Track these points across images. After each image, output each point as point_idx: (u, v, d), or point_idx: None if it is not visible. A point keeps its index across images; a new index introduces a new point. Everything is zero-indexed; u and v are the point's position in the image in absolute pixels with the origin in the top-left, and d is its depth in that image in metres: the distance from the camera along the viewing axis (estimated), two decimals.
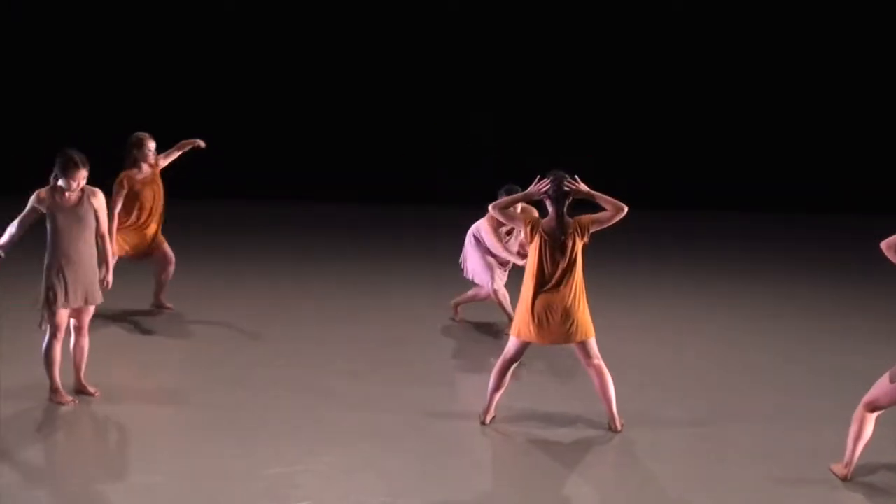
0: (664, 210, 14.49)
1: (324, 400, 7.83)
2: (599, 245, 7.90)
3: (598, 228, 7.10)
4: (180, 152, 9.80)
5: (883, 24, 15.17)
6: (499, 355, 7.37)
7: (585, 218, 7.01)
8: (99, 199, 7.47)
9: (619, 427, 7.24)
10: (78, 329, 7.63)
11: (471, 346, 9.24)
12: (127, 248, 9.52)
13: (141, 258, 9.70)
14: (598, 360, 7.14)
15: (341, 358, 8.82)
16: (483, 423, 7.33)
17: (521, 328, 7.08)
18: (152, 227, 9.61)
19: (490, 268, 9.22)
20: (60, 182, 7.31)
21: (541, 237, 6.96)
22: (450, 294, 10.58)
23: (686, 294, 11.11)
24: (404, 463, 6.75)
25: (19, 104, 15.57)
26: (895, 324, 10.02)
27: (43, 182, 7.49)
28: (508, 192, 8.29)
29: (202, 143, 9.87)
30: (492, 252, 9.23)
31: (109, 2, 15.74)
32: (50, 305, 7.39)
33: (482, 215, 8.96)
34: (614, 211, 6.94)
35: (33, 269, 7.68)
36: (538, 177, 7.04)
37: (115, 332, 9.36)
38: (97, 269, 7.54)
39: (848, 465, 6.47)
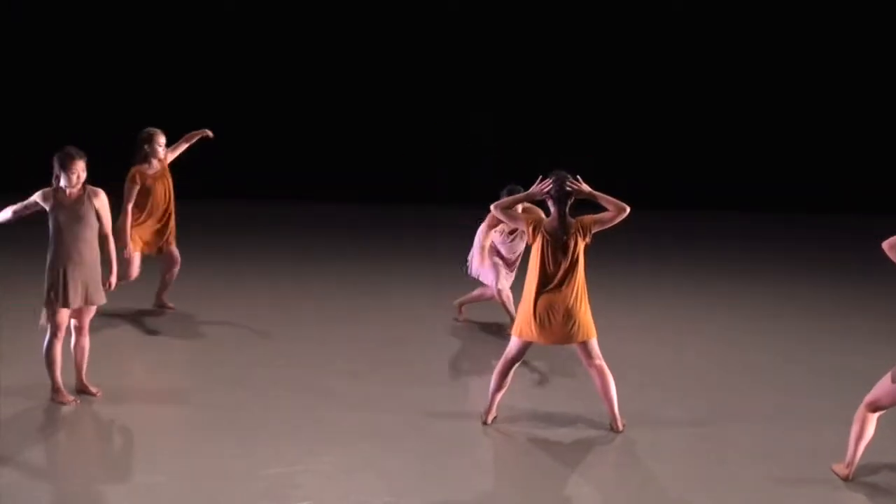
0: (664, 210, 14.49)
1: (324, 400, 7.83)
2: (600, 245, 7.89)
3: (600, 229, 7.12)
4: (188, 144, 9.79)
5: (883, 24, 15.17)
6: (500, 355, 7.37)
7: (587, 218, 7.01)
8: (101, 199, 7.46)
9: (620, 427, 7.24)
10: (79, 329, 7.63)
11: (472, 346, 9.24)
12: (142, 243, 9.53)
13: (154, 253, 9.69)
14: (600, 361, 7.14)
15: (342, 358, 8.82)
16: (485, 423, 7.33)
17: (522, 328, 7.08)
18: (167, 223, 9.62)
19: (496, 267, 9.22)
20: (62, 179, 7.32)
21: (543, 237, 6.96)
22: (450, 294, 10.57)
23: (686, 294, 11.11)
24: (405, 463, 6.75)
25: (19, 104, 15.56)
26: (895, 324, 10.01)
27: (42, 181, 7.52)
28: (510, 193, 8.29)
29: (210, 133, 9.87)
30: (499, 251, 9.23)
31: (109, 2, 15.72)
32: (51, 305, 7.39)
33: (482, 215, 8.94)
34: (616, 211, 6.94)
35: (33, 269, 7.68)
36: (540, 177, 7.04)
37: (117, 331, 9.35)
38: (99, 270, 7.53)
39: (849, 465, 6.47)
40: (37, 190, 7.46)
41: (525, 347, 7.18)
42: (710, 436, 7.25)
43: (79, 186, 7.37)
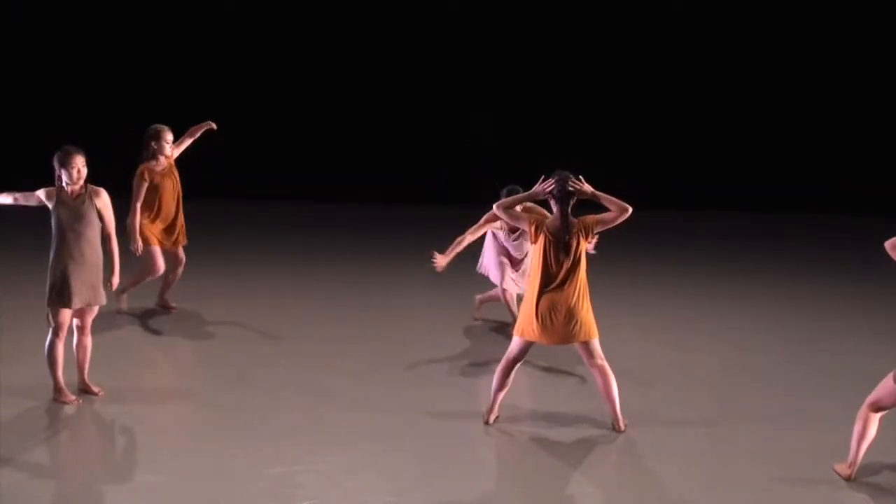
0: (664, 210, 14.48)
1: (325, 400, 7.83)
2: (601, 246, 7.90)
3: (603, 229, 7.13)
4: (192, 139, 9.79)
5: (883, 24, 15.18)
6: (502, 355, 7.36)
7: (590, 218, 7.02)
8: (102, 199, 7.46)
9: (622, 427, 7.24)
10: (81, 328, 7.63)
11: (473, 345, 9.23)
12: (157, 238, 9.52)
13: (167, 249, 9.69)
14: (602, 361, 7.14)
15: (343, 358, 8.82)
16: (486, 422, 7.32)
17: (524, 328, 7.08)
18: (177, 219, 9.62)
19: (502, 266, 9.21)
20: (63, 177, 7.33)
21: (545, 237, 6.96)
22: (450, 294, 10.61)
23: (687, 294, 11.10)
24: (407, 463, 6.75)
25: (19, 104, 15.55)
26: None
27: (42, 182, 7.55)
28: (510, 194, 8.29)
29: (213, 125, 9.87)
30: (507, 251, 9.22)
31: (110, 2, 15.72)
32: (53, 304, 7.39)
33: (482, 215, 8.93)
34: (618, 211, 6.94)
35: (34, 268, 7.68)
36: (542, 177, 7.04)
37: (119, 331, 9.35)
38: (101, 270, 7.53)
39: (852, 465, 6.47)
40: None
41: (527, 347, 7.18)
42: (712, 435, 7.25)
43: (80, 183, 7.37)
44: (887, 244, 6.22)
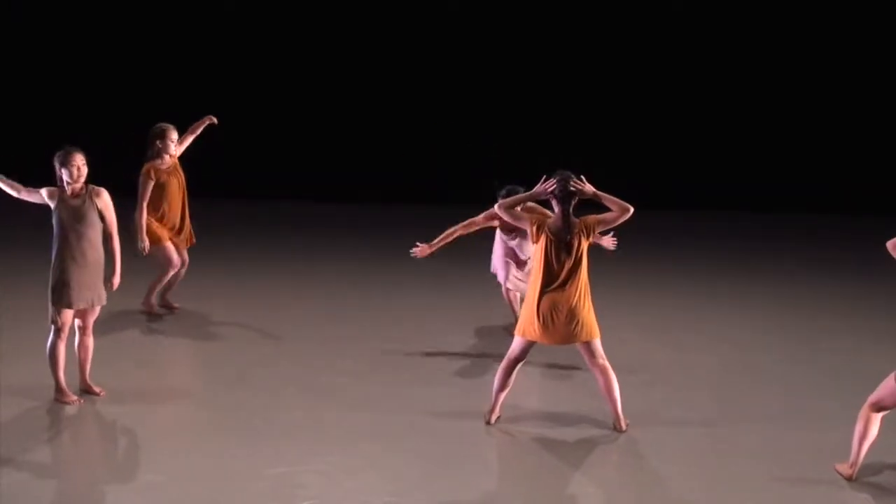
0: (664, 210, 14.47)
1: (326, 400, 7.83)
2: (600, 245, 7.91)
3: (604, 229, 7.15)
4: (194, 136, 9.80)
5: (883, 24, 15.18)
6: (503, 355, 7.37)
7: (591, 218, 7.02)
8: (103, 199, 7.46)
9: (623, 427, 7.25)
10: (82, 329, 7.63)
11: (475, 345, 9.23)
12: (169, 235, 9.52)
13: (181, 246, 9.69)
14: (603, 360, 7.14)
15: (343, 358, 8.81)
16: (488, 422, 7.33)
17: (525, 328, 7.08)
18: (184, 218, 9.63)
19: (507, 266, 9.20)
20: (64, 176, 7.34)
21: (547, 237, 6.96)
22: (451, 294, 10.62)
23: (687, 294, 11.10)
24: (408, 463, 6.75)
25: (19, 104, 15.54)
26: None
27: (42, 183, 7.55)
28: (509, 193, 8.29)
29: (214, 120, 9.87)
30: (512, 251, 9.20)
31: (109, 2, 15.71)
32: (54, 305, 7.39)
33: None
34: (620, 212, 6.95)
35: (35, 268, 7.68)
36: (544, 177, 7.04)
37: (120, 331, 9.34)
38: (103, 271, 7.53)
39: (853, 465, 6.47)
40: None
41: (528, 347, 7.18)
42: (713, 435, 7.25)
43: (81, 181, 7.38)
44: (889, 244, 6.22)
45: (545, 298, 6.97)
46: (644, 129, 15.66)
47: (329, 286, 11.24)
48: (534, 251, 7.17)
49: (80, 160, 7.36)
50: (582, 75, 15.70)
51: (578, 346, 7.13)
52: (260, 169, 15.56)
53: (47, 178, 7.52)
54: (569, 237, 6.94)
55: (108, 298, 7.66)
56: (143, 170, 9.42)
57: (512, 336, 7.38)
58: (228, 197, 14.79)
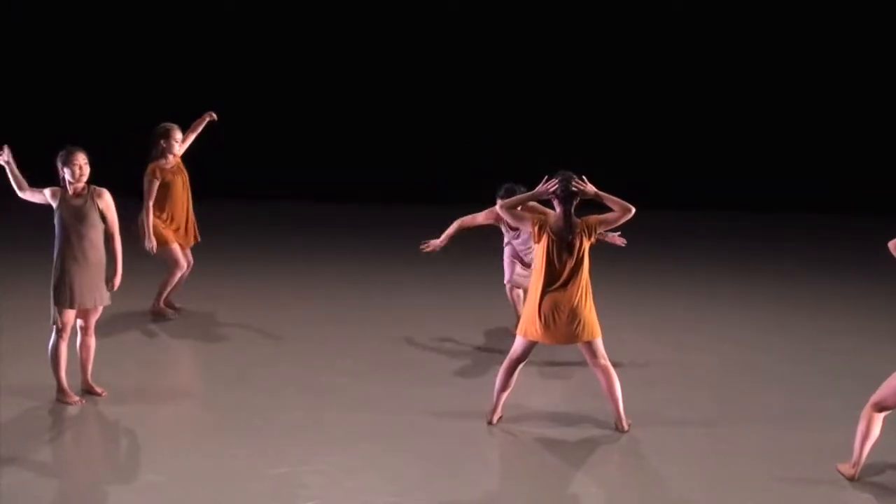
0: (664, 210, 14.46)
1: (326, 400, 7.83)
2: (603, 245, 7.91)
3: (606, 229, 7.17)
4: (195, 134, 9.80)
5: (883, 23, 15.18)
6: (505, 355, 7.37)
7: (593, 218, 7.03)
8: (105, 200, 7.47)
9: (625, 427, 7.25)
10: (84, 329, 7.64)
11: (477, 346, 9.22)
12: (175, 236, 9.52)
13: (185, 247, 9.70)
14: (605, 360, 7.14)
15: (344, 358, 8.81)
16: (490, 422, 7.33)
17: (527, 328, 7.09)
18: (190, 216, 9.63)
19: (513, 264, 9.19)
20: (66, 175, 7.36)
21: (548, 237, 6.97)
22: (451, 294, 10.61)
23: (687, 294, 11.09)
24: (410, 463, 6.76)
25: (19, 105, 15.53)
26: None
27: (43, 183, 7.57)
28: (508, 192, 8.30)
29: (215, 116, 9.88)
30: (515, 251, 9.18)
31: (109, 2, 15.70)
32: (56, 305, 7.40)
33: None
34: (622, 212, 6.95)
35: (35, 268, 7.68)
36: (546, 177, 7.05)
37: (122, 331, 9.33)
38: (104, 271, 7.53)
39: (855, 464, 6.47)
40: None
41: (530, 347, 7.18)
42: (714, 435, 7.26)
43: (83, 181, 7.39)
44: (891, 244, 6.23)
45: (547, 298, 6.97)
46: (644, 129, 15.65)
47: (329, 286, 11.23)
48: (535, 251, 7.17)
49: (82, 159, 7.38)
50: (582, 75, 15.69)
51: (580, 346, 7.13)
52: (260, 169, 15.55)
53: (49, 179, 7.54)
54: (570, 237, 6.95)
55: (110, 299, 7.66)
56: (148, 170, 9.41)
57: (514, 336, 7.38)
58: (228, 197, 14.78)
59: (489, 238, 9.69)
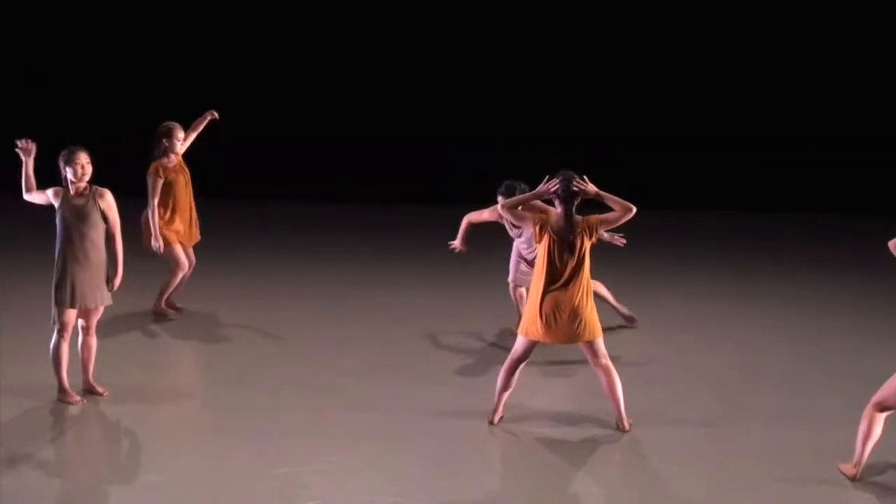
0: (664, 209, 14.47)
1: (329, 400, 7.83)
2: (603, 245, 7.92)
3: (607, 228, 7.17)
4: (196, 133, 9.80)
5: (883, 23, 15.18)
6: (506, 355, 7.37)
7: (594, 218, 7.03)
8: (106, 201, 7.47)
9: (626, 426, 7.25)
10: (85, 329, 7.64)
11: (478, 345, 9.23)
12: (178, 237, 9.52)
13: (186, 247, 9.70)
14: (606, 360, 7.15)
15: (344, 358, 8.81)
16: (491, 422, 7.33)
17: (528, 327, 7.09)
18: (193, 214, 9.63)
19: (517, 263, 9.18)
20: (68, 175, 7.37)
21: (549, 237, 6.97)
22: (452, 294, 10.61)
23: (688, 294, 11.09)
24: (411, 463, 6.76)
25: (20, 105, 15.54)
26: None
27: (43, 184, 7.58)
28: (508, 189, 8.32)
29: (216, 114, 9.89)
30: (520, 251, 9.18)
31: (110, 2, 15.71)
32: (57, 305, 7.40)
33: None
34: (622, 211, 6.96)
35: (37, 268, 7.68)
36: (547, 177, 7.05)
37: (123, 331, 9.33)
38: (106, 271, 7.53)
39: (857, 464, 6.47)
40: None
41: (531, 347, 7.19)
42: (715, 435, 7.26)
43: (85, 180, 7.40)
44: (891, 244, 6.24)
45: (548, 298, 6.97)
46: (644, 129, 15.65)
47: (329, 286, 11.23)
48: (537, 251, 7.17)
49: (84, 159, 7.39)
50: (582, 75, 15.70)
51: (581, 345, 7.14)
52: (260, 169, 15.55)
53: (51, 180, 7.55)
54: (571, 237, 6.95)
55: (112, 299, 7.65)
56: (151, 168, 9.41)
57: (515, 336, 7.39)
58: (228, 197, 14.78)
59: (490, 237, 9.70)
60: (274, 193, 15.42)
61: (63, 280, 7.37)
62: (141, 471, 6.62)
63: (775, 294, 11.06)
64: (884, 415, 6.38)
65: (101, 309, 7.62)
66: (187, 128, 9.73)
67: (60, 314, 7.42)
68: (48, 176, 7.59)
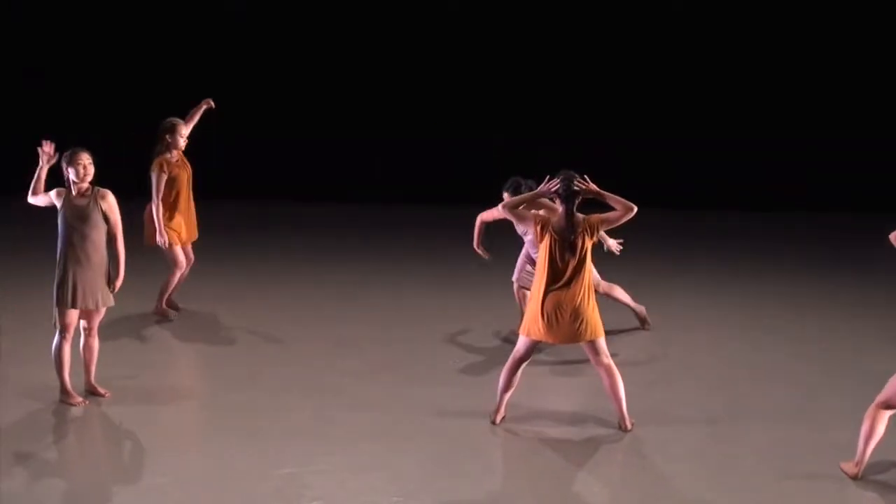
0: (665, 209, 14.48)
1: (332, 400, 7.84)
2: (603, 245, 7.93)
3: (607, 228, 7.17)
4: (193, 122, 9.78)
5: (883, 23, 15.19)
6: (508, 355, 7.38)
7: (595, 217, 7.04)
8: (108, 202, 7.48)
9: (628, 426, 7.26)
10: (87, 330, 7.64)
11: (479, 345, 9.23)
12: (178, 236, 9.52)
13: (187, 243, 9.71)
14: (608, 360, 7.15)
15: (347, 358, 8.81)
16: (493, 422, 7.33)
17: (530, 327, 7.10)
18: (193, 211, 9.64)
19: (524, 263, 9.17)
20: (70, 175, 7.39)
21: (551, 236, 6.98)
22: (454, 294, 10.61)
23: (689, 293, 11.08)
24: (414, 463, 6.76)
25: (18, 105, 15.53)
26: None
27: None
28: (514, 186, 8.32)
29: (212, 103, 9.89)
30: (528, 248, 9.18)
31: (110, 2, 15.71)
32: (59, 306, 7.40)
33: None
34: (623, 211, 6.97)
35: (39, 270, 7.68)
36: (548, 176, 7.06)
37: (125, 332, 9.32)
38: (107, 272, 7.53)
39: (859, 463, 6.48)
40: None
41: (533, 346, 7.19)
42: (720, 434, 7.27)
43: (87, 181, 7.41)
44: (892, 236, 6.24)
45: (549, 297, 6.98)
46: (644, 128, 15.65)
47: (329, 286, 11.22)
48: (538, 250, 7.18)
49: (86, 159, 7.40)
50: (583, 75, 15.69)
51: (583, 345, 7.14)
52: (260, 169, 15.55)
53: (52, 181, 7.55)
54: (573, 236, 6.95)
55: (114, 300, 7.65)
56: (155, 164, 9.38)
57: (516, 335, 7.39)
58: (228, 197, 14.77)
59: (490, 237, 9.69)
60: (274, 193, 15.41)
61: (65, 281, 7.37)
62: (143, 472, 6.63)
63: (775, 294, 11.06)
64: (888, 413, 6.38)
65: (104, 310, 7.62)
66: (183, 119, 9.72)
67: (62, 315, 7.42)
68: (49, 177, 7.59)
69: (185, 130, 9.48)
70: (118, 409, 7.59)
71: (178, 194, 9.49)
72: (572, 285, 6.98)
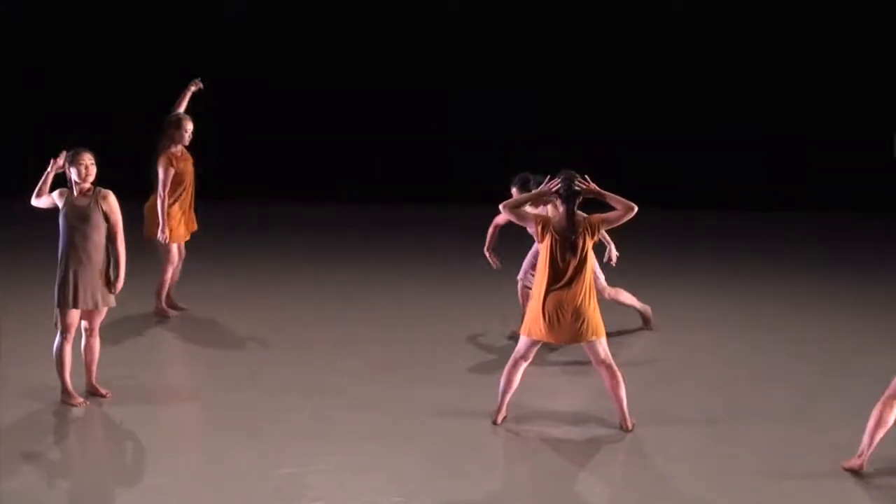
0: (665, 209, 14.48)
1: (333, 400, 7.84)
2: (603, 246, 7.92)
3: (608, 227, 7.18)
4: (183, 106, 9.76)
5: (883, 23, 15.19)
6: (509, 355, 7.38)
7: (595, 217, 7.04)
8: (109, 202, 7.47)
9: (629, 426, 7.26)
10: (89, 330, 7.63)
11: (480, 345, 9.23)
12: (177, 233, 9.51)
13: (186, 237, 9.70)
14: (609, 360, 7.15)
15: (347, 358, 8.81)
16: (494, 422, 7.33)
17: (531, 327, 7.09)
18: (192, 207, 9.64)
19: (531, 263, 9.15)
20: (72, 175, 7.39)
21: (552, 236, 6.98)
22: (455, 294, 10.61)
23: (689, 293, 11.09)
24: (415, 463, 6.76)
25: (21, 106, 15.53)
26: None
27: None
28: (522, 182, 8.31)
29: (200, 84, 9.89)
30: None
31: (109, 2, 15.71)
32: (60, 306, 7.40)
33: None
34: (624, 210, 6.97)
35: (40, 270, 7.68)
36: (549, 176, 7.06)
37: (126, 333, 9.32)
38: (108, 273, 7.53)
39: (861, 454, 6.45)
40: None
41: (534, 346, 7.19)
42: (718, 434, 7.27)
43: (89, 181, 7.41)
44: None
45: (551, 297, 6.98)
46: (644, 127, 15.65)
47: (329, 286, 11.23)
48: (540, 250, 7.18)
49: (88, 159, 7.40)
50: (583, 74, 15.69)
51: (584, 345, 7.14)
52: (260, 169, 15.55)
53: (56, 182, 7.56)
54: (573, 236, 6.95)
55: (115, 300, 7.65)
56: (162, 158, 9.35)
57: (517, 335, 7.39)
58: (228, 197, 14.78)
59: (503, 242, 9.67)
60: (274, 193, 15.41)
61: (66, 281, 7.37)
62: (144, 472, 6.63)
63: (775, 294, 11.06)
64: None
65: (105, 310, 7.61)
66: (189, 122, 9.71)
67: (63, 315, 7.42)
68: (54, 178, 7.60)
69: (190, 126, 9.48)
70: (119, 409, 7.59)
71: (183, 188, 9.50)
72: (573, 285, 6.97)
